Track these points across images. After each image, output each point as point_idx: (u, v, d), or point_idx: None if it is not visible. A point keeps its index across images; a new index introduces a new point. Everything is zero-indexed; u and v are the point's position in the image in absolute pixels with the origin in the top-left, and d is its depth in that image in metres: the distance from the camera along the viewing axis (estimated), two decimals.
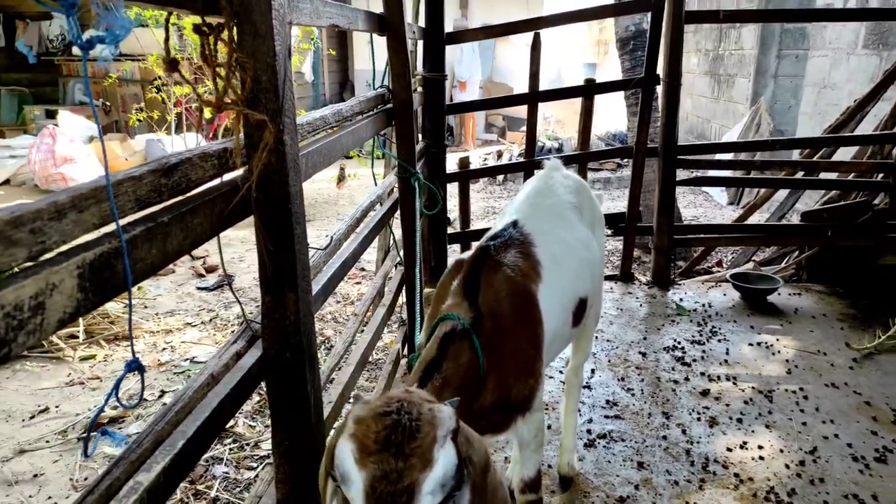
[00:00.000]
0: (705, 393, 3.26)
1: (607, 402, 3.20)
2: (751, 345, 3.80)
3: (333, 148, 1.98)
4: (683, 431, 2.93)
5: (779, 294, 4.47)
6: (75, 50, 8.47)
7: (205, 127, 7.08)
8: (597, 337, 3.93)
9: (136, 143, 8.73)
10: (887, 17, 5.41)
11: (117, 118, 10.09)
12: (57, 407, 3.40)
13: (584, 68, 14.21)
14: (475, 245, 2.00)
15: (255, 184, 1.31)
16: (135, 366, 1.11)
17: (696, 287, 4.80)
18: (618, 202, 8.17)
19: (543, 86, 4.74)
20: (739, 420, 3.02)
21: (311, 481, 1.60)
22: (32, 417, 3.30)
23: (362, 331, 2.80)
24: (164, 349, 4.24)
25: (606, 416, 3.07)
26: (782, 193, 5.75)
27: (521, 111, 5.51)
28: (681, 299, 4.51)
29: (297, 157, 1.44)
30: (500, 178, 9.55)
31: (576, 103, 4.83)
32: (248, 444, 3.22)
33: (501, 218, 2.11)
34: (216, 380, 1.40)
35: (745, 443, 2.83)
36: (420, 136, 4.35)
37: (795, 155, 6.03)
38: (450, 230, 5.10)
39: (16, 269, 0.79)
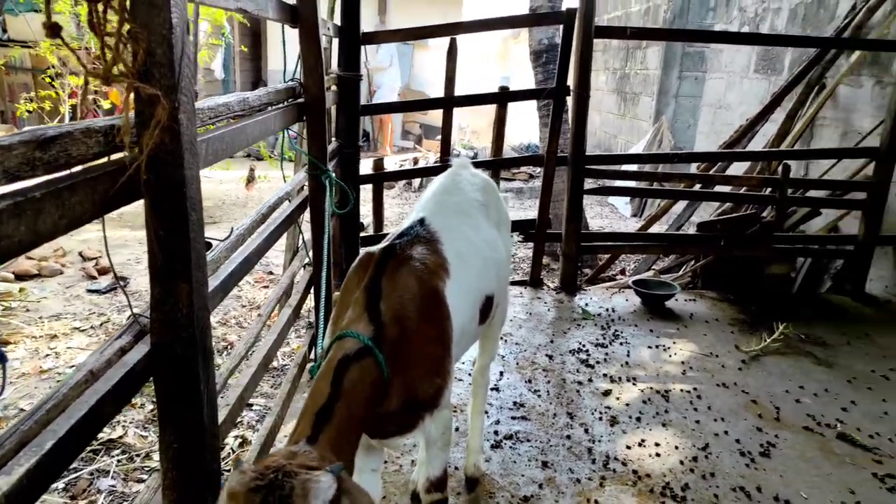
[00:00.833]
0: (607, 393, 3.36)
1: (514, 403, 3.24)
2: (650, 347, 3.97)
3: (238, 136, 1.89)
4: (586, 431, 3.00)
5: (676, 300, 4.70)
6: None
7: (96, 104, 6.66)
8: (506, 340, 3.98)
9: None
10: (776, 42, 5.85)
11: (3, 108, 9.33)
12: None
13: (501, 81, 14.48)
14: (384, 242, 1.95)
15: (145, 164, 1.22)
16: None
17: (601, 293, 4.97)
18: (530, 211, 8.35)
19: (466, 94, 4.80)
20: (638, 419, 3.13)
21: (201, 488, 1.51)
22: None
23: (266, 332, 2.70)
24: (47, 355, 3.92)
25: (513, 418, 3.10)
26: (681, 205, 6.08)
27: (438, 120, 5.53)
28: (587, 304, 4.65)
29: (195, 138, 1.36)
30: (416, 183, 9.55)
31: (491, 115, 4.91)
32: (138, 455, 3.02)
33: (410, 215, 2.09)
34: (96, 377, 1.29)
35: (643, 440, 2.94)
36: (334, 136, 4.27)
37: (693, 169, 6.38)
38: (363, 234, 5.03)
39: None
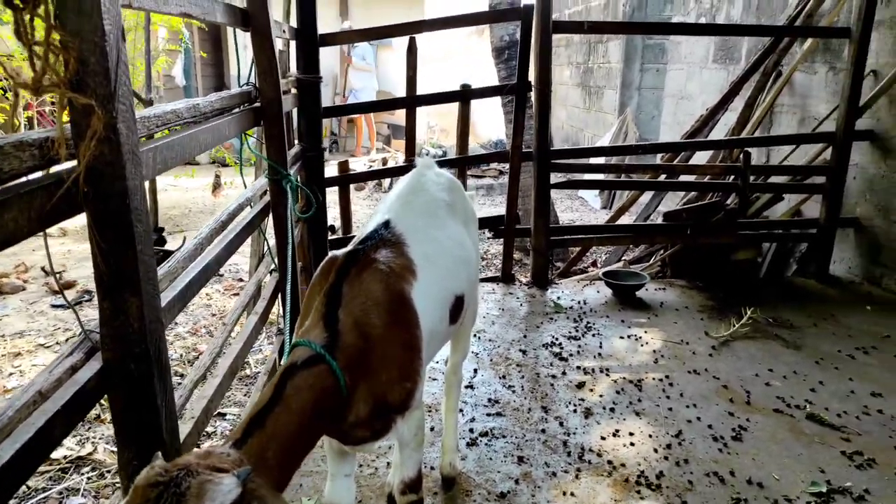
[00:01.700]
0: (581, 385, 3.38)
1: (489, 400, 3.23)
2: (622, 338, 4.00)
3: (189, 144, 1.85)
4: (561, 424, 3.01)
5: (646, 289, 4.75)
6: None
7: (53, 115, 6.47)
8: (479, 337, 3.97)
9: None
10: (730, 32, 5.93)
11: None
12: None
13: (463, 80, 14.48)
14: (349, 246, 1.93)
15: (83, 176, 1.18)
16: None
17: (573, 286, 5.00)
18: (500, 208, 8.35)
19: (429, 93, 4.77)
20: (612, 409, 3.15)
21: None
22: None
23: (230, 343, 2.65)
24: (10, 374, 3.82)
25: (488, 414, 3.10)
26: (648, 196, 6.15)
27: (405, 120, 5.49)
28: (558, 298, 4.67)
29: (136, 147, 1.32)
30: (386, 184, 9.51)
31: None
32: (109, 472, 2.95)
33: (375, 217, 2.06)
34: (45, 397, 1.25)
35: (617, 431, 2.95)
36: (297, 139, 4.22)
37: (658, 159, 6.45)
38: (333, 237, 4.99)
39: None
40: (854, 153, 4.79)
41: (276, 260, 3.09)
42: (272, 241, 3.19)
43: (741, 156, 4.77)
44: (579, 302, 4.60)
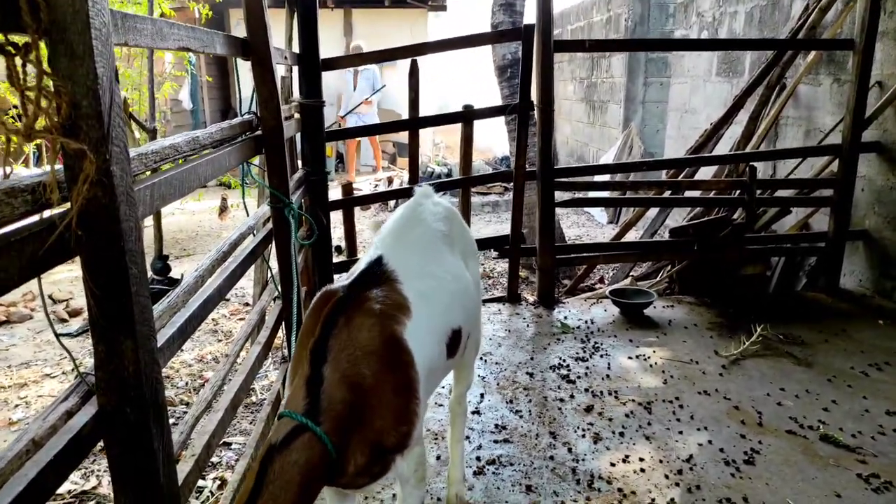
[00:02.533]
0: (589, 409, 3.32)
1: (496, 426, 3.18)
2: (630, 358, 3.94)
3: (188, 178, 1.84)
4: (569, 450, 2.96)
5: (654, 307, 4.70)
6: None
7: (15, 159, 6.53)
8: (486, 360, 3.93)
9: None
10: (734, 46, 5.92)
11: None
12: None
13: (466, 100, 14.54)
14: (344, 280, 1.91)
15: (75, 220, 1.17)
16: None
17: (580, 304, 4.95)
18: (506, 224, 8.33)
19: (432, 114, 4.79)
20: (621, 434, 3.09)
21: None
22: None
23: (235, 371, 2.62)
24: (17, 406, 3.80)
25: (495, 441, 3.05)
26: (654, 210, 6.11)
27: None
28: (565, 317, 4.62)
29: (130, 188, 1.31)
30: (392, 204, 9.51)
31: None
32: None
33: (369, 251, 2.04)
34: (38, 445, 1.23)
35: (627, 457, 2.90)
36: (300, 163, 4.22)
37: (664, 175, 6.43)
38: (339, 258, 4.98)
39: None
40: (861, 165, 4.74)
41: (279, 287, 3.08)
42: (276, 269, 3.18)
43: (747, 169, 4.74)
44: (587, 321, 4.56)
